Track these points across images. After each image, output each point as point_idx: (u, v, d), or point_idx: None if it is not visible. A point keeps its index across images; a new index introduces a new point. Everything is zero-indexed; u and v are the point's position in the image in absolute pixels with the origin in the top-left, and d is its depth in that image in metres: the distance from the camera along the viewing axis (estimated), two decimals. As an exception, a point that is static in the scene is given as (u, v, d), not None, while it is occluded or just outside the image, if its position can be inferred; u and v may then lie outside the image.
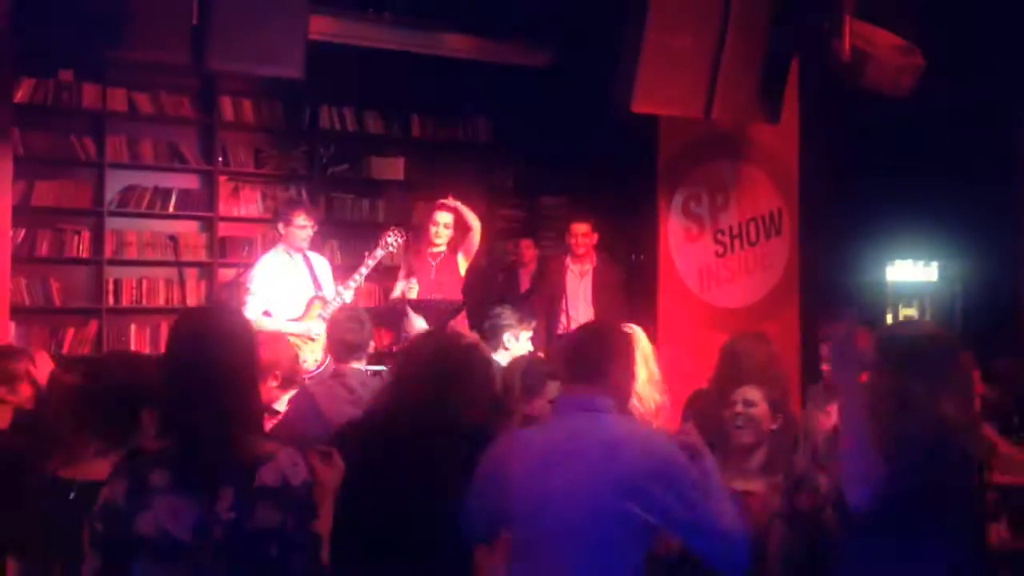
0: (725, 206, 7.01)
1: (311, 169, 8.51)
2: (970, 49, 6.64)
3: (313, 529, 2.26)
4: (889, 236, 8.33)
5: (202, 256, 8.03)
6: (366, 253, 6.50)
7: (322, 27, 6.57)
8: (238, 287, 6.36)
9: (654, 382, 4.17)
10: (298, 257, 6.24)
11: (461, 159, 8.88)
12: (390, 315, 6.47)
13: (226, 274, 7.89)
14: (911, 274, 9.04)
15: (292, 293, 6.13)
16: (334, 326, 4.57)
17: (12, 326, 6.48)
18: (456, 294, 6.60)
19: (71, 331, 7.57)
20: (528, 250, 8.42)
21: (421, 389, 3.06)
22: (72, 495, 2.63)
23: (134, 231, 7.84)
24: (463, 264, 6.76)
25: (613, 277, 7.25)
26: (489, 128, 9.07)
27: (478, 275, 7.64)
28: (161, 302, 7.83)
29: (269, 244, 6.64)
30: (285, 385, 3.94)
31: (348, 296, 6.18)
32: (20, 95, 7.28)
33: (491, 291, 7.93)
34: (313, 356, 5.94)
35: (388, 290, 6.91)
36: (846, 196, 7.69)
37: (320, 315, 5.99)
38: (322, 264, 6.37)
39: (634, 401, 3.61)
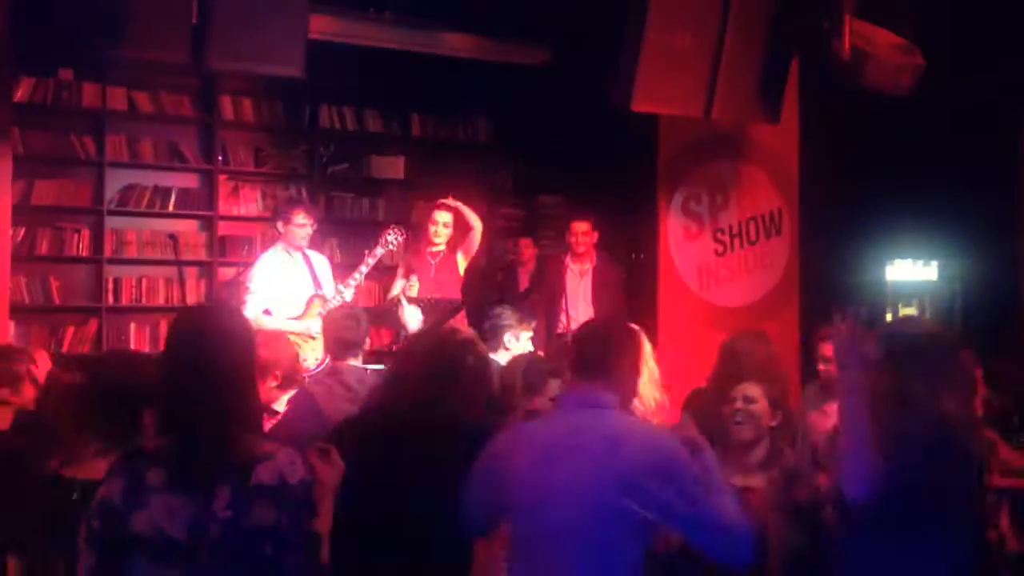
0: (725, 205, 7.01)
1: (311, 168, 8.51)
2: (970, 48, 6.64)
3: (311, 528, 2.26)
4: (889, 235, 8.32)
5: (202, 255, 8.03)
6: (366, 252, 6.50)
7: (322, 26, 6.57)
8: (238, 286, 6.36)
9: (654, 381, 4.18)
10: (297, 256, 6.24)
11: (461, 158, 8.88)
12: (389, 314, 6.46)
13: (226, 273, 7.89)
14: (911, 273, 9.02)
15: (292, 291, 6.13)
16: (331, 324, 4.57)
17: (12, 325, 6.49)
18: (455, 293, 6.60)
19: (71, 330, 7.57)
20: (527, 249, 8.42)
21: (418, 386, 3.06)
22: (75, 495, 2.63)
23: (134, 230, 7.84)
24: (462, 263, 6.76)
25: (613, 276, 7.25)
26: (489, 127, 9.07)
27: (477, 274, 7.64)
28: (161, 301, 7.83)
29: (269, 243, 6.64)
30: (285, 385, 3.93)
31: (348, 295, 6.18)
32: (20, 94, 7.28)
33: (490, 290, 7.94)
34: (314, 354, 5.94)
35: (388, 289, 6.90)
36: (846, 195, 7.69)
37: (320, 314, 5.99)
38: (322, 262, 6.38)
39: (634, 400, 3.61)
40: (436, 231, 6.65)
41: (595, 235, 7.13)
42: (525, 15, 7.58)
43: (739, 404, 3.53)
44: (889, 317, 8.62)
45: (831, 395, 4.61)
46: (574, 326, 6.82)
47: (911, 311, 8.75)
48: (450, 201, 6.74)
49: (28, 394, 4.05)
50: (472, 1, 7.49)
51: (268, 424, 3.71)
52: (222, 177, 8.14)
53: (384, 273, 7.47)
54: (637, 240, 7.89)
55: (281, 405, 3.91)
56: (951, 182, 7.53)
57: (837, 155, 7.48)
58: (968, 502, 2.85)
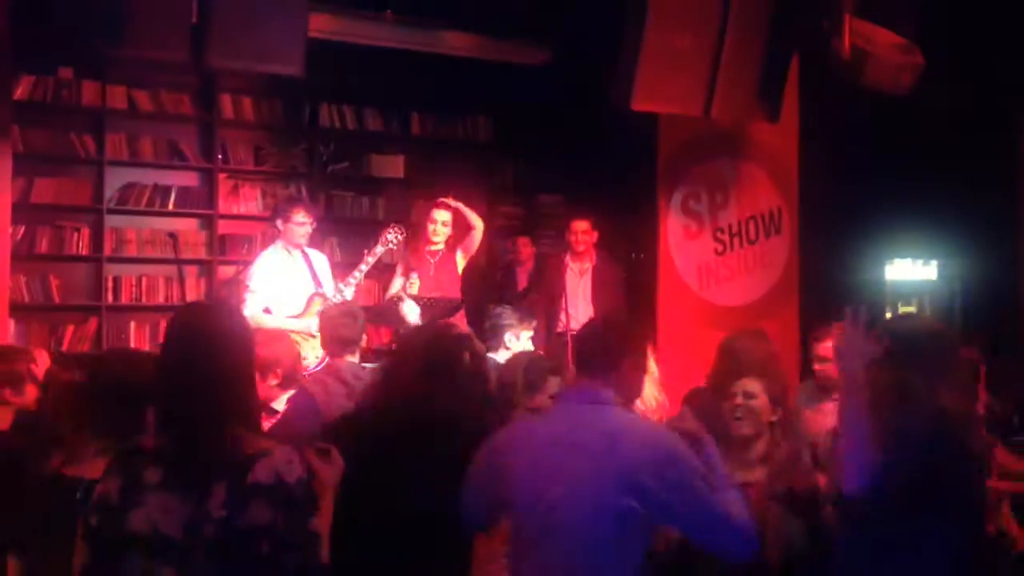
0: (725, 204, 7.01)
1: (311, 167, 8.51)
2: (970, 48, 6.64)
3: (309, 527, 2.24)
4: (888, 235, 8.32)
5: (202, 254, 8.03)
6: (366, 251, 6.50)
7: (322, 25, 6.57)
8: (237, 285, 6.37)
9: (653, 380, 4.19)
10: (297, 254, 6.24)
11: (461, 157, 8.89)
12: (389, 312, 6.46)
13: (225, 272, 7.90)
14: (910, 273, 9.03)
15: (292, 290, 6.12)
16: (327, 321, 4.57)
17: (11, 323, 6.49)
18: (454, 292, 6.61)
19: (70, 328, 7.57)
20: (525, 248, 8.42)
21: (413, 383, 3.06)
22: (79, 494, 2.62)
23: (133, 228, 7.84)
24: (461, 262, 6.76)
25: (613, 275, 7.26)
26: (489, 126, 9.07)
27: (477, 273, 7.64)
28: (160, 300, 7.83)
29: (268, 241, 6.64)
30: (285, 384, 3.93)
31: (349, 293, 6.18)
32: (20, 92, 7.28)
33: (489, 289, 7.93)
34: (314, 353, 5.93)
35: (387, 288, 6.90)
36: (845, 195, 7.69)
37: (320, 312, 5.99)
38: (321, 261, 6.37)
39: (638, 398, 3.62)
40: (435, 230, 6.65)
41: (595, 234, 7.13)
42: (525, 14, 7.58)
43: (739, 400, 3.54)
44: (888, 316, 8.63)
45: (826, 394, 4.63)
46: (574, 325, 6.84)
47: (911, 310, 8.76)
48: (450, 201, 6.75)
49: (30, 394, 4.06)
50: (472, 0, 7.49)
51: (268, 423, 3.71)
52: (222, 176, 8.14)
53: (384, 272, 7.47)
54: (637, 239, 7.89)
55: (280, 404, 3.91)
56: (951, 181, 7.53)
57: (837, 154, 7.48)
58: (967, 497, 2.86)
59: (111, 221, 7.76)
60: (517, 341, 5.16)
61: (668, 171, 6.91)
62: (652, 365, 4.17)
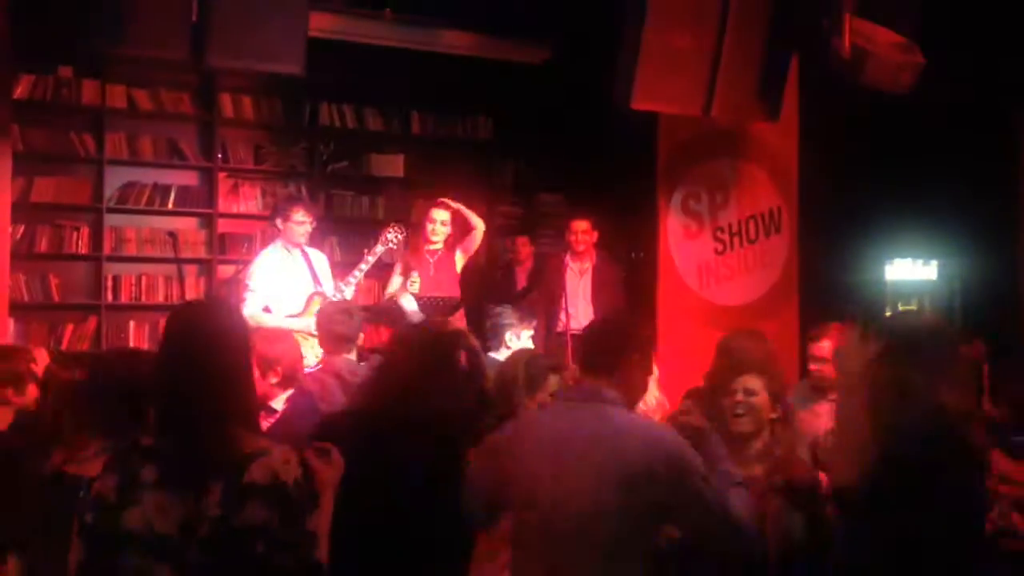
0: (724, 204, 7.00)
1: (311, 166, 8.51)
2: (970, 47, 6.64)
3: (306, 527, 2.24)
4: (888, 234, 8.31)
5: (201, 253, 8.04)
6: (366, 250, 6.50)
7: (322, 24, 6.58)
8: (237, 284, 6.37)
9: (653, 379, 4.17)
10: (296, 253, 6.24)
11: (460, 156, 8.89)
12: (388, 312, 6.45)
13: (225, 271, 7.90)
14: (910, 273, 9.03)
15: (291, 289, 6.12)
16: (324, 319, 4.57)
17: (11, 322, 6.48)
18: (453, 291, 6.61)
19: (70, 327, 7.58)
20: (523, 247, 8.41)
21: (407, 379, 3.06)
22: (82, 492, 2.62)
23: (133, 227, 7.85)
24: (460, 261, 6.77)
25: (613, 275, 7.26)
26: (489, 125, 9.07)
27: (476, 272, 7.64)
28: (160, 298, 7.84)
29: (268, 240, 6.64)
30: (285, 383, 3.93)
31: (349, 293, 6.19)
32: (19, 91, 7.28)
33: (488, 289, 7.92)
34: (314, 352, 5.93)
35: (387, 287, 6.89)
36: (845, 194, 7.69)
37: (317, 310, 5.98)
38: (320, 260, 6.37)
39: (644, 398, 3.61)
40: (434, 229, 6.65)
41: (595, 234, 7.13)
42: (525, 13, 7.58)
43: (740, 396, 3.53)
44: (888, 314, 8.63)
45: (821, 395, 4.63)
46: (574, 325, 6.84)
47: (910, 308, 8.76)
48: (451, 203, 6.75)
49: (31, 393, 4.06)
50: (472, -1, 7.51)
51: (267, 422, 3.71)
52: (222, 175, 8.14)
53: (384, 271, 7.47)
54: (636, 239, 7.89)
55: (279, 403, 3.91)
56: (951, 181, 7.53)
57: (837, 153, 7.47)
58: (966, 494, 2.86)
59: (111, 220, 7.77)
60: (518, 340, 5.17)
61: (668, 171, 6.91)
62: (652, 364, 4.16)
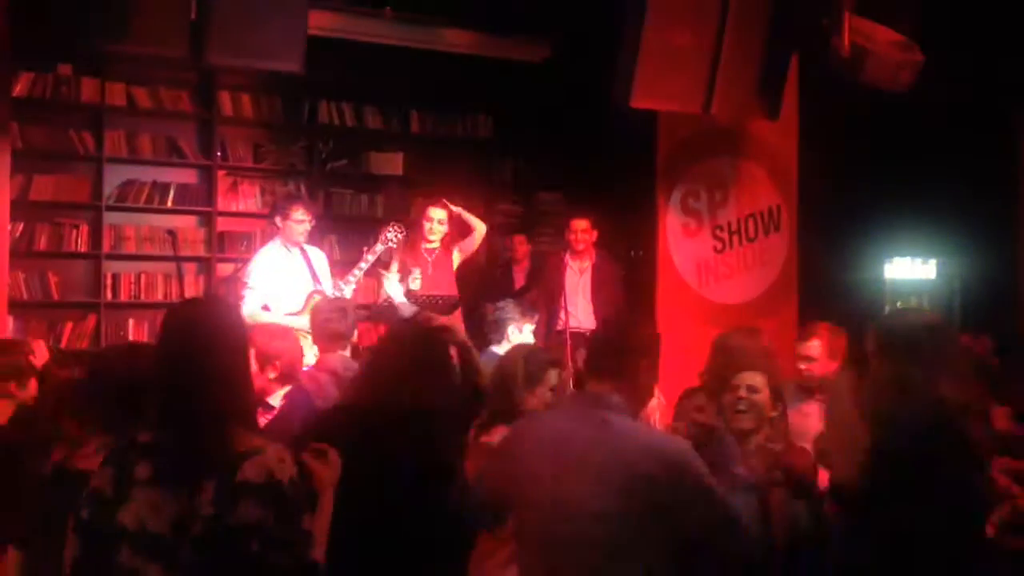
0: (724, 202, 7.01)
1: (310, 164, 8.50)
2: (970, 45, 6.64)
3: (301, 526, 2.22)
4: (888, 233, 8.32)
5: (200, 251, 8.03)
6: (365, 248, 6.49)
7: (321, 22, 6.57)
8: (236, 282, 6.36)
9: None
10: (295, 251, 6.23)
11: (460, 155, 8.89)
12: (387, 311, 6.46)
13: (224, 269, 7.89)
14: (910, 271, 9.03)
15: (290, 287, 6.11)
16: (318, 316, 4.57)
17: (10, 320, 6.48)
18: (451, 290, 6.60)
19: (69, 325, 7.57)
20: (521, 246, 8.40)
21: (396, 377, 3.06)
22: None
23: (132, 226, 7.84)
24: (457, 260, 6.77)
25: (612, 273, 7.25)
26: (488, 124, 9.06)
27: (475, 271, 7.64)
28: (159, 297, 7.83)
29: (267, 239, 6.64)
30: (283, 379, 3.94)
31: (348, 292, 6.18)
32: (19, 89, 7.27)
33: (486, 287, 7.91)
34: (312, 351, 5.93)
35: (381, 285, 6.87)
36: (845, 193, 7.69)
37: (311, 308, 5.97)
38: (319, 258, 6.36)
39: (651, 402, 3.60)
40: (431, 228, 6.64)
41: (594, 233, 7.12)
42: (524, 11, 7.58)
43: (742, 392, 3.53)
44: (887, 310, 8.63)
45: (808, 395, 4.62)
46: (573, 323, 6.84)
47: (910, 304, 8.76)
48: (452, 207, 6.76)
49: (33, 387, 4.07)
50: (471, -3, 7.51)
51: (264, 418, 3.71)
52: (221, 173, 8.13)
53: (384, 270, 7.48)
54: (636, 237, 7.89)
55: (277, 400, 3.91)
56: (950, 180, 7.53)
57: (836, 152, 7.48)
58: (964, 486, 2.86)
59: (110, 218, 7.76)
60: (520, 334, 5.16)
61: (667, 169, 6.91)
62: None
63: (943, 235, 8.30)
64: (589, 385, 2.79)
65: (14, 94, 7.00)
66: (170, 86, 7.96)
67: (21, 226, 7.36)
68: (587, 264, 7.15)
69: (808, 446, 3.80)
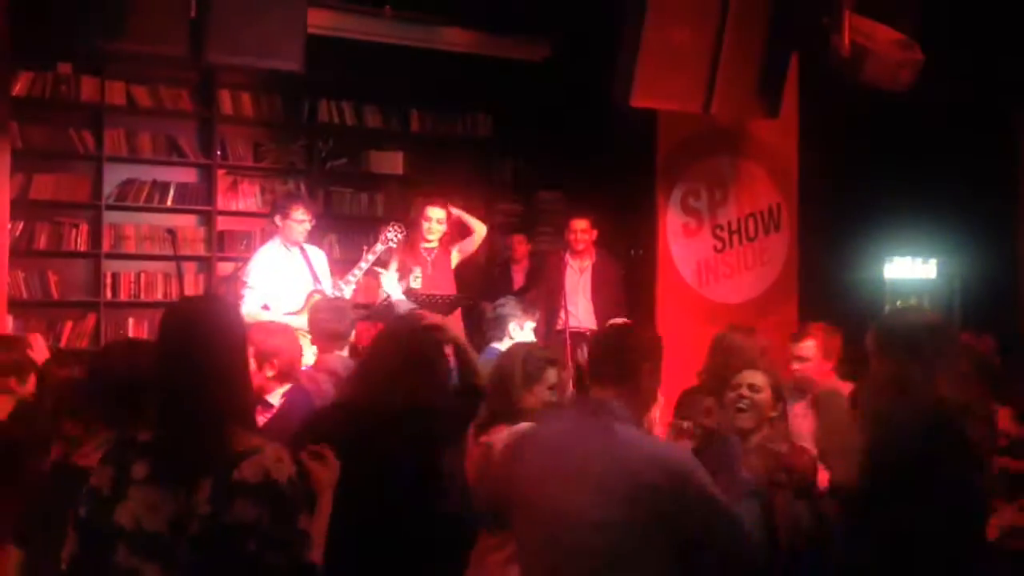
0: (724, 201, 7.01)
1: (310, 163, 8.50)
2: (970, 45, 6.64)
3: (298, 526, 2.21)
4: (888, 232, 8.32)
5: (200, 250, 8.02)
6: (365, 248, 6.48)
7: (321, 20, 6.56)
8: (236, 281, 6.36)
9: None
10: (295, 250, 6.23)
11: (460, 154, 8.88)
12: (386, 311, 6.46)
13: (224, 268, 7.88)
14: (910, 271, 9.04)
15: (290, 287, 6.11)
16: (316, 316, 4.57)
17: (10, 319, 6.48)
18: (449, 289, 6.59)
19: (69, 324, 7.56)
20: (520, 246, 8.38)
21: (391, 375, 3.06)
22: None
23: (132, 225, 7.83)
24: (456, 259, 6.77)
25: (612, 272, 7.24)
26: (488, 123, 9.05)
27: (474, 270, 7.64)
28: (159, 296, 7.82)
29: (267, 238, 6.63)
30: (282, 377, 3.93)
31: (348, 291, 6.17)
32: (18, 88, 7.26)
33: (485, 286, 7.91)
34: (312, 350, 5.92)
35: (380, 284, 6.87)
36: (845, 192, 7.69)
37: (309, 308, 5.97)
38: (319, 257, 6.36)
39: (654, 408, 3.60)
40: (430, 228, 6.63)
41: (594, 232, 7.11)
42: (524, 11, 7.58)
43: (744, 391, 3.53)
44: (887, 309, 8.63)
45: (800, 395, 4.62)
46: (573, 323, 6.83)
47: (910, 303, 8.76)
48: (453, 209, 6.76)
49: (33, 383, 4.06)
50: (471, -4, 7.50)
51: (263, 417, 3.71)
52: (221, 172, 8.12)
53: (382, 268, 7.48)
54: (636, 236, 7.89)
55: (276, 398, 3.91)
56: (950, 179, 7.53)
57: (836, 151, 7.48)
58: (964, 486, 2.86)
59: (110, 217, 7.75)
60: (521, 331, 5.15)
61: (667, 168, 6.91)
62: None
63: (943, 235, 8.30)
64: (592, 391, 2.77)
65: (14, 93, 6.99)
66: (170, 85, 7.95)
67: (21, 225, 7.35)
68: (587, 263, 7.14)
69: (807, 445, 3.80)
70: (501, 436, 3.43)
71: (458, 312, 6.49)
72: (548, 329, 6.86)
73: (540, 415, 3.54)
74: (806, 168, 7.13)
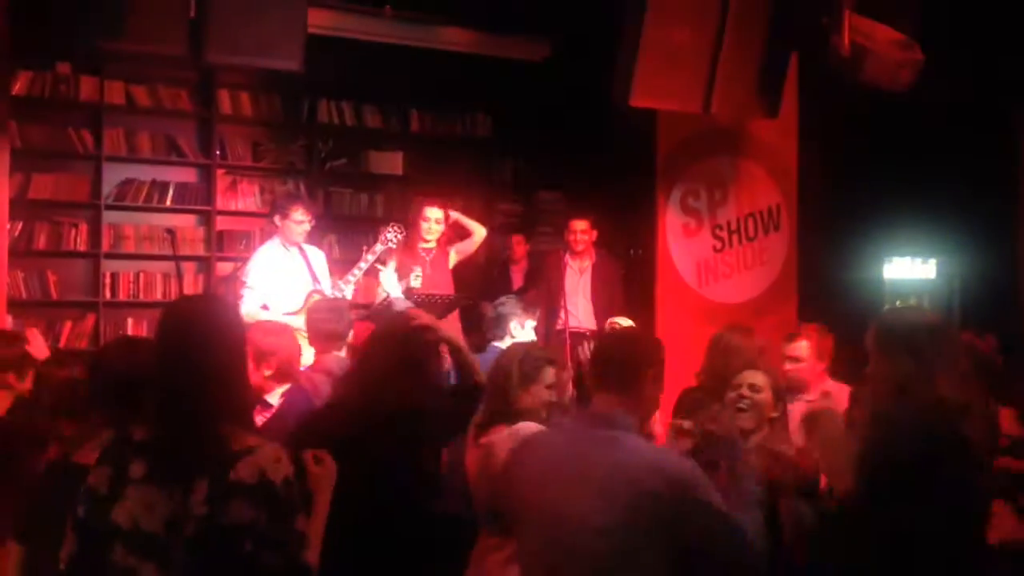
0: (723, 201, 7.01)
1: (309, 163, 8.50)
2: (970, 44, 6.63)
3: (295, 527, 2.21)
4: (887, 232, 8.31)
5: (200, 250, 8.02)
6: (364, 248, 6.48)
7: (321, 20, 6.55)
8: (235, 281, 6.36)
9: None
10: (294, 250, 6.23)
11: (460, 154, 8.88)
12: (385, 311, 6.45)
13: (223, 268, 7.88)
14: (909, 271, 9.03)
15: (289, 287, 6.11)
16: (313, 317, 4.57)
17: (9, 319, 6.47)
18: (447, 289, 6.59)
19: (68, 324, 7.56)
20: (519, 246, 8.38)
21: (383, 377, 3.05)
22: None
23: (131, 224, 7.84)
24: (454, 259, 6.76)
25: (612, 273, 7.24)
26: (488, 123, 9.05)
27: (473, 270, 7.64)
28: (158, 296, 7.82)
29: (266, 238, 6.63)
30: (280, 377, 3.92)
31: (348, 291, 6.17)
32: (17, 88, 7.27)
33: (486, 287, 7.91)
34: (312, 350, 5.92)
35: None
36: (844, 192, 7.68)
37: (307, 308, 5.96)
38: (318, 256, 6.36)
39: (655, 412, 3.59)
40: (428, 228, 6.63)
41: (594, 233, 7.11)
42: (524, 11, 7.57)
43: (745, 391, 3.52)
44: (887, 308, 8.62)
45: (792, 396, 4.62)
46: (573, 323, 6.83)
47: (909, 303, 8.75)
48: (452, 212, 6.75)
49: (32, 379, 4.06)
50: (471, -4, 7.50)
51: (262, 416, 3.71)
52: (220, 171, 8.12)
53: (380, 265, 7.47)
54: (635, 236, 7.88)
55: (275, 398, 3.90)
56: (950, 179, 7.52)
57: (836, 151, 7.48)
58: (964, 486, 2.85)
59: (109, 217, 7.75)
60: (522, 330, 5.14)
61: (667, 168, 6.91)
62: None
63: (943, 234, 8.29)
64: (595, 398, 2.77)
65: (13, 93, 7.00)
66: (169, 84, 7.95)
67: (20, 225, 7.35)
68: (587, 264, 7.14)
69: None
70: (501, 436, 3.43)
71: (455, 312, 6.49)
72: (548, 329, 6.87)
73: (538, 414, 3.54)
74: (806, 168, 7.12)
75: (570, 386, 4.56)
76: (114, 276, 7.75)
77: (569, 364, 6.05)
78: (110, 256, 7.74)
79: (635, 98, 5.61)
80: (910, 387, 2.86)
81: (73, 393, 3.14)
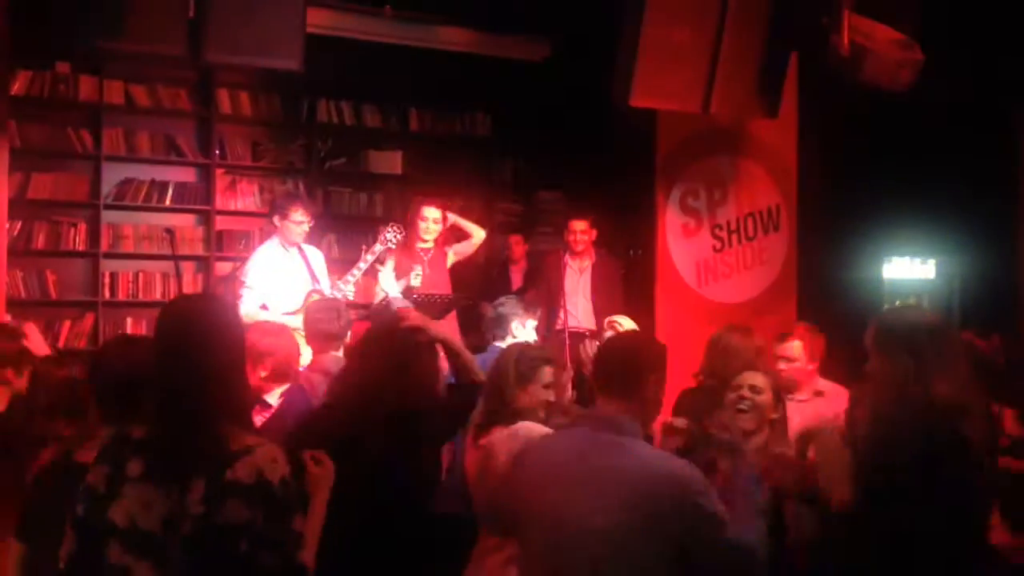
0: (723, 201, 7.01)
1: (309, 163, 8.49)
2: (969, 44, 6.63)
3: (292, 527, 2.21)
4: (887, 232, 8.31)
5: (199, 250, 8.02)
6: (364, 247, 6.47)
7: (320, 20, 6.55)
8: (234, 281, 6.36)
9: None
10: (293, 250, 6.22)
11: (459, 153, 8.88)
12: (385, 311, 6.44)
13: (223, 268, 7.88)
14: (909, 271, 9.02)
15: (289, 286, 6.10)
16: (311, 317, 4.57)
17: (8, 319, 6.46)
18: (445, 289, 6.58)
19: (67, 324, 7.56)
20: (518, 246, 8.38)
21: (378, 378, 3.05)
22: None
23: (130, 224, 7.83)
24: (452, 259, 6.76)
25: (612, 272, 7.24)
26: (487, 122, 9.05)
27: (473, 270, 7.63)
28: (158, 295, 7.81)
29: (266, 237, 6.63)
30: (276, 378, 3.91)
31: (348, 291, 6.16)
32: (17, 87, 7.26)
33: (485, 287, 7.90)
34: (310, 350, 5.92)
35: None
36: (844, 192, 7.68)
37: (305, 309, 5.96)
38: (317, 256, 6.36)
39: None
40: (426, 227, 6.62)
41: (594, 233, 7.11)
42: (524, 10, 7.57)
43: (745, 392, 3.52)
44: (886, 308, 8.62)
45: (787, 395, 4.61)
46: (572, 323, 6.83)
47: (908, 302, 8.75)
48: (451, 215, 6.75)
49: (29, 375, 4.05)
50: (471, -5, 7.50)
51: (260, 416, 3.70)
52: (219, 171, 8.12)
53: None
54: (635, 236, 7.88)
55: (274, 398, 3.90)
56: (950, 179, 7.52)
57: (835, 151, 7.47)
58: (963, 486, 2.85)
59: (108, 217, 7.75)
60: (524, 329, 5.14)
61: (667, 168, 6.91)
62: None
63: (942, 234, 8.28)
64: (598, 402, 2.77)
65: (12, 92, 6.99)
66: (168, 84, 7.94)
67: (19, 224, 7.35)
68: (587, 264, 7.14)
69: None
70: (500, 437, 3.42)
71: (453, 312, 6.48)
72: (548, 329, 6.86)
73: (536, 414, 3.54)
74: (805, 168, 7.12)
75: (569, 386, 4.55)
76: (113, 276, 7.75)
77: (569, 364, 6.05)
78: (109, 256, 7.74)
79: (635, 98, 5.60)
80: (910, 387, 2.85)
81: (72, 392, 3.13)
